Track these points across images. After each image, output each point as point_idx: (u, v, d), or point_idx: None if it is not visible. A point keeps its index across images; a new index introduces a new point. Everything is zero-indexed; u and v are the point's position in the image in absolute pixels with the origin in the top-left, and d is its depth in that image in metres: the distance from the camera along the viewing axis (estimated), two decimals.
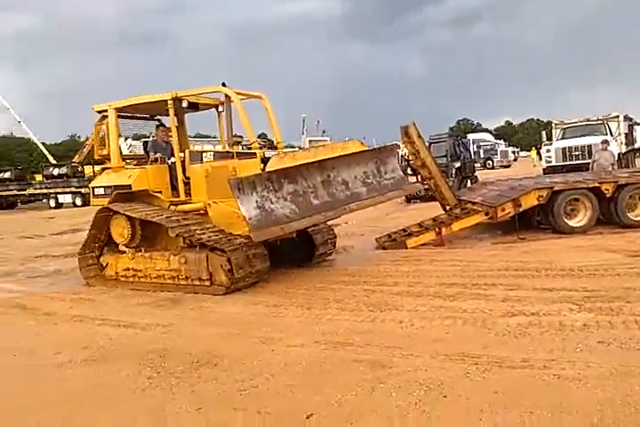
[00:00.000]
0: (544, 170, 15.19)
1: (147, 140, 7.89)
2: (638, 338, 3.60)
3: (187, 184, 6.78)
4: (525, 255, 6.91)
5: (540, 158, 20.14)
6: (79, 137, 69.60)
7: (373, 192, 6.46)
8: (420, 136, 9.12)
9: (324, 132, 48.77)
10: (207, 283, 6.04)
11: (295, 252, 7.12)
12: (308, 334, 4.31)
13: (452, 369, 3.38)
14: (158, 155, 7.12)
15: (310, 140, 22.21)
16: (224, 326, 4.78)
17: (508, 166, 37.52)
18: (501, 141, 48.15)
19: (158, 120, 7.93)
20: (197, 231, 6.12)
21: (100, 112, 7.42)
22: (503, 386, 3.08)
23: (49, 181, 30.39)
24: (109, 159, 7.34)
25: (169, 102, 6.73)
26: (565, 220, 8.36)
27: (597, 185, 8.29)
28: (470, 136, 38.12)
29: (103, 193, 7.16)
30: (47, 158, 36.09)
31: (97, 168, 30.23)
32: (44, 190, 30.31)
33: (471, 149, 19.92)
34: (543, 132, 17.59)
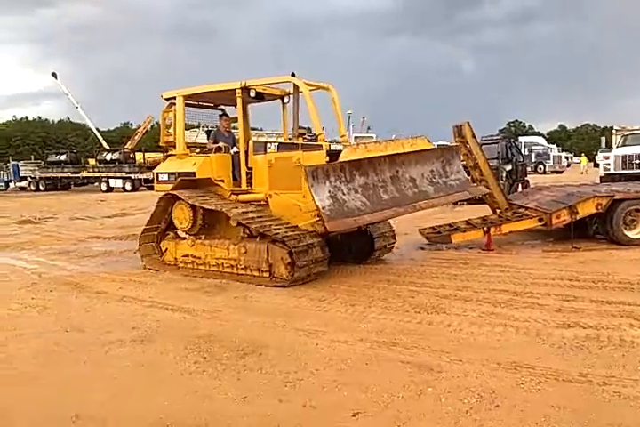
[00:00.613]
0: (601, 178, 14.53)
1: (210, 129, 7.94)
2: None
3: (249, 174, 6.79)
4: (581, 266, 6.61)
5: (597, 165, 19.24)
6: (131, 124, 72.08)
7: (440, 192, 6.31)
8: (473, 136, 8.89)
9: (368, 128, 48.46)
10: (266, 274, 6.02)
11: (353, 247, 7.04)
12: (352, 331, 4.26)
13: (505, 378, 3.26)
14: (222, 144, 7.13)
15: (356, 137, 22.01)
16: (268, 315, 4.80)
17: (561, 172, 36.14)
18: (554, 146, 46.46)
19: (222, 110, 7.98)
20: (259, 222, 6.09)
21: (167, 99, 7.45)
22: (560, 400, 2.94)
23: (102, 165, 31.53)
24: (174, 146, 7.38)
25: (237, 91, 6.67)
26: (624, 231, 7.95)
27: None
28: (522, 139, 37.03)
29: (167, 179, 7.24)
30: (101, 144, 37.38)
31: (148, 155, 31.22)
32: (97, 174, 31.48)
33: (522, 153, 19.27)
34: (603, 138, 16.82)
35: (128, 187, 29.49)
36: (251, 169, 6.70)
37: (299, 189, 6.02)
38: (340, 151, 5.93)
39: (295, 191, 6.11)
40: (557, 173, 35.73)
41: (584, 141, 79.18)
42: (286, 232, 5.85)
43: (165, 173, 7.32)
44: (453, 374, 3.36)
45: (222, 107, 7.97)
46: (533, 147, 37.84)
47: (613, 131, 15.79)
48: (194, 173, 6.85)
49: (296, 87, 6.59)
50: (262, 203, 6.56)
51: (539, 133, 74.28)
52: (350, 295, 5.38)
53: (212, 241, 6.65)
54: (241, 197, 6.76)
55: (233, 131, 7.89)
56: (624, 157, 14.05)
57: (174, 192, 6.89)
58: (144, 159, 32.96)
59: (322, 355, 3.77)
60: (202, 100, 7.68)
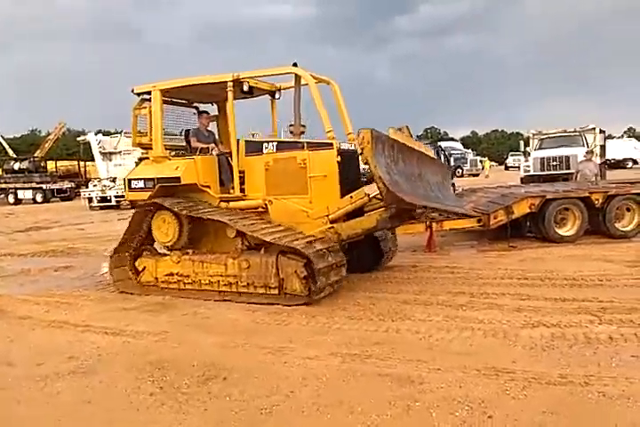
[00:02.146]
0: (522, 179, 15.36)
1: (188, 128, 6.91)
2: None
3: (240, 178, 6.01)
4: (523, 264, 6.80)
5: (507, 168, 20.22)
6: (39, 131, 67.13)
7: (450, 201, 6.04)
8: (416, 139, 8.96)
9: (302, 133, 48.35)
10: (275, 291, 5.31)
11: (361, 257, 6.43)
12: (319, 345, 4.01)
13: (489, 386, 3.15)
14: (210, 145, 6.37)
15: None
16: (225, 333, 4.42)
17: (477, 175, 38.09)
18: (469, 150, 48.96)
19: (196, 108, 7.22)
20: (265, 231, 5.37)
21: (139, 94, 6.50)
22: (549, 405, 2.87)
23: (8, 175, 28.98)
24: (150, 148, 6.43)
25: (228, 84, 5.81)
26: (555, 229, 8.35)
27: (588, 195, 8.32)
28: (441, 144, 38.65)
29: (143, 186, 6.26)
30: (7, 152, 34.41)
31: (60, 164, 29.06)
32: (3, 185, 28.87)
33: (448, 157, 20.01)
34: (521, 142, 17.83)
35: (39, 198, 27.32)
36: (242, 172, 5.94)
37: (304, 194, 5.54)
38: (353, 151, 5.51)
39: (300, 196, 5.57)
40: (474, 175, 37.61)
41: (494, 146, 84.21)
42: (300, 242, 5.17)
43: (140, 179, 6.33)
44: (436, 384, 3.21)
45: (196, 104, 7.16)
46: (452, 151, 39.55)
47: (530, 134, 16.76)
48: (178, 179, 5.96)
49: (298, 79, 5.90)
50: (260, 210, 5.83)
51: (453, 139, 78.05)
52: (309, 306, 5.12)
53: (204, 256, 5.78)
54: (233, 204, 5.93)
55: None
56: (542, 159, 14.94)
57: (156, 200, 5.92)
58: (56, 168, 30.84)
59: (293, 374, 3.49)
60: (179, 96, 6.77)
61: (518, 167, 33.87)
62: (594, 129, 15.28)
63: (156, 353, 4.04)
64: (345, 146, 5.65)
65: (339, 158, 5.38)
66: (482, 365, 3.46)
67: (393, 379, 3.32)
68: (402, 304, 5.04)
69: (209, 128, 6.82)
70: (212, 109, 7.22)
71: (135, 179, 6.40)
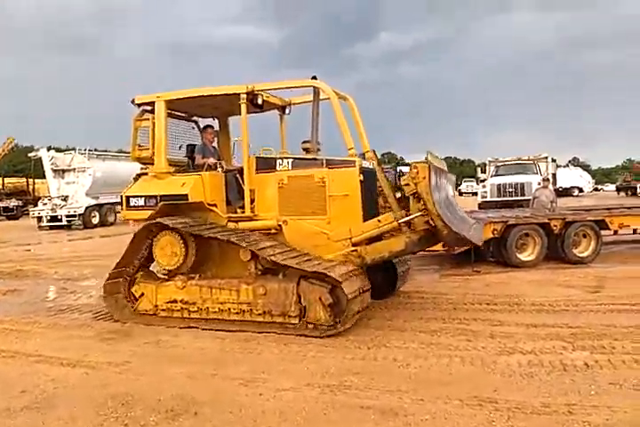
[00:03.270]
0: (479, 205, 15.77)
1: (192, 144, 6.54)
2: None
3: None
4: (489, 289, 6.87)
5: (461, 193, 20.79)
6: None
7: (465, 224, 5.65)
8: (379, 164, 9.03)
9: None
10: (295, 320, 4.90)
11: (376, 282, 5.78)
12: (295, 375, 3.84)
13: (474, 417, 3.08)
14: (212, 160, 5.95)
15: None
16: (192, 363, 4.18)
17: None
18: None
19: (195, 122, 6.83)
20: (286, 254, 5.02)
21: (139, 105, 6.08)
22: None
23: None
24: (150, 163, 6.00)
25: (242, 97, 5.47)
26: (517, 254, 8.53)
27: (547, 221, 8.57)
28: (401, 168, 39.43)
29: (143, 204, 5.80)
30: None
31: (7, 181, 27.76)
32: None
33: None
34: (478, 169, 18.42)
35: None
36: (251, 191, 5.57)
37: (322, 214, 5.25)
38: (372, 169, 5.31)
39: (317, 216, 5.26)
40: None
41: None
42: (323, 266, 4.85)
43: (141, 196, 5.84)
44: (420, 416, 3.11)
45: (195, 118, 6.83)
46: None
47: (487, 161, 17.33)
48: (185, 196, 5.53)
49: (317, 93, 5.61)
50: (273, 231, 5.45)
51: (408, 164, 79.92)
52: (280, 333, 4.93)
53: (213, 281, 5.31)
54: (242, 224, 5.53)
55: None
56: (499, 185, 15.42)
57: (161, 220, 5.42)
58: (3, 185, 29.42)
59: (270, 408, 3.30)
60: (180, 109, 6.39)
61: (472, 193, 34.94)
62: (546, 158, 15.97)
63: (118, 386, 3.75)
64: (365, 164, 5.37)
65: (361, 177, 5.15)
66: (464, 394, 3.39)
67: (376, 411, 3.19)
68: (375, 330, 4.94)
69: (213, 144, 6.52)
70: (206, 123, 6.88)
71: (134, 196, 5.91)
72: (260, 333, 4.89)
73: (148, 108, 6.06)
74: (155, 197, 5.73)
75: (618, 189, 38.57)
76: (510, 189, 15.05)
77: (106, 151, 23.59)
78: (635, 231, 9.59)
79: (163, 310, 5.51)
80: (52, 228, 20.00)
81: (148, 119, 5.98)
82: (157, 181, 5.88)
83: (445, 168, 5.87)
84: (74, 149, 20.99)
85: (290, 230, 5.36)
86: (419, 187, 4.72)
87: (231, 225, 5.55)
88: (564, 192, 31.62)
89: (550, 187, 11.37)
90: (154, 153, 5.89)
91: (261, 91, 5.58)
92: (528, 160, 16.15)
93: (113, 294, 5.73)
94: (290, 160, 5.47)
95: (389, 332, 4.89)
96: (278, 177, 5.43)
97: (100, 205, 20.53)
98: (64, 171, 20.50)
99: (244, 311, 5.11)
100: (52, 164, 20.22)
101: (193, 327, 5.18)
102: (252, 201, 5.55)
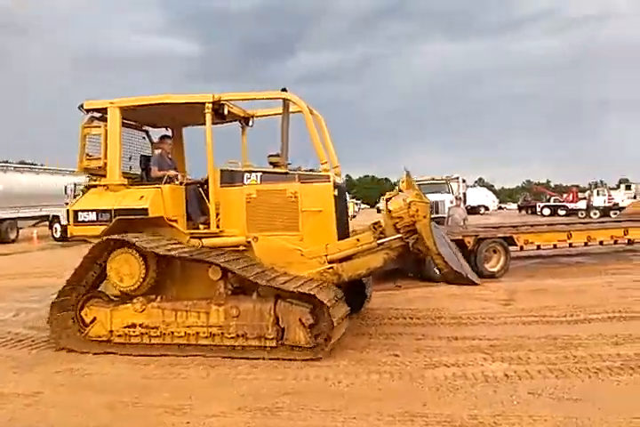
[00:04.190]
0: None
1: (145, 154, 6.13)
2: (561, 387, 3.76)
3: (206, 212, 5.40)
4: (412, 303, 7.09)
5: (379, 211, 21.58)
6: None
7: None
8: None
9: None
10: (272, 343, 4.63)
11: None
12: (224, 400, 3.69)
13: None
14: (172, 172, 5.61)
15: None
16: (111, 392, 3.89)
17: (354, 216, 39.98)
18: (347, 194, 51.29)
19: (146, 131, 6.38)
20: (262, 273, 4.76)
21: (88, 111, 5.61)
22: None
23: None
24: (101, 174, 5.52)
25: (207, 106, 5.19)
26: (485, 265, 9.09)
27: (461, 238, 9.06)
28: None
29: (94, 219, 5.27)
30: None
31: None
32: None
33: None
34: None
35: None
36: (215, 205, 5.27)
37: (294, 230, 5.06)
38: (341, 185, 5.17)
39: (289, 232, 5.09)
40: (353, 217, 39.39)
41: (365, 190, 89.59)
42: (302, 284, 4.66)
43: (91, 210, 5.31)
44: None
45: (146, 128, 6.40)
46: None
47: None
48: (145, 211, 5.09)
49: (287, 106, 5.41)
50: (241, 248, 5.17)
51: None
52: (208, 355, 4.73)
53: (178, 303, 4.90)
54: (207, 241, 5.18)
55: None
56: None
57: (117, 237, 4.95)
58: None
59: None
60: (133, 117, 5.95)
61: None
62: (457, 178, 16.94)
63: (26, 420, 3.41)
64: (338, 179, 5.30)
65: (335, 192, 5.05)
66: (395, 410, 3.44)
67: None
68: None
69: (169, 155, 6.08)
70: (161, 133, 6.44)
71: (84, 210, 5.36)
72: (224, 357, 4.62)
73: (97, 114, 5.67)
74: (109, 211, 5.23)
75: (519, 208, 41.85)
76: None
77: (7, 162, 21.81)
78: (538, 247, 10.37)
79: (119, 335, 4.99)
80: None
81: (99, 127, 5.56)
82: (110, 193, 5.39)
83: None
84: None
85: (260, 247, 5.12)
86: (418, 225, 4.76)
87: (194, 242, 5.21)
88: (472, 210, 33.69)
89: (462, 205, 12.05)
90: (105, 164, 5.44)
91: (228, 101, 5.41)
92: (441, 180, 17.03)
93: (59, 319, 5.13)
94: (259, 174, 5.26)
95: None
96: (246, 191, 5.20)
97: None
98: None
99: (214, 335, 4.77)
100: None
101: (154, 355, 4.75)
102: (216, 216, 5.28)
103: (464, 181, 18.00)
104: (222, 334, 4.74)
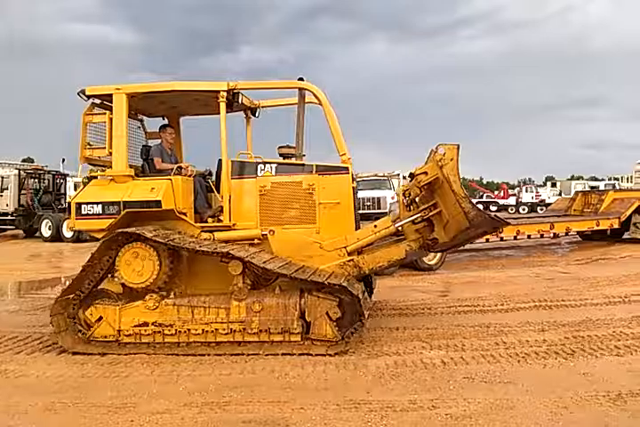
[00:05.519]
0: None
1: (146, 145, 5.83)
2: (493, 371, 4.01)
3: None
4: None
5: None
6: None
7: None
8: None
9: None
10: (297, 338, 4.59)
11: None
12: (170, 397, 3.66)
13: (351, 419, 3.24)
14: (184, 163, 5.42)
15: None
16: (49, 394, 3.76)
17: None
18: None
19: (140, 121, 6.07)
20: (287, 266, 4.67)
21: (89, 97, 5.27)
22: None
23: None
24: (102, 165, 5.32)
25: (221, 95, 5.03)
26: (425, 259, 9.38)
27: None
28: None
29: (101, 212, 4.97)
30: None
31: None
32: None
33: None
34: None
35: None
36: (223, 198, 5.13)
37: (310, 223, 5.01)
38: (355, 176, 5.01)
39: (305, 225, 5.02)
40: None
41: None
42: (326, 277, 4.61)
43: (97, 203, 5.00)
44: (302, 424, 3.18)
45: (141, 117, 6.10)
46: None
47: None
48: (157, 203, 4.85)
49: (302, 96, 5.33)
50: (256, 242, 5.04)
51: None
52: (152, 352, 4.65)
53: (194, 299, 4.72)
54: (220, 234, 5.02)
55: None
56: (359, 199, 16.36)
57: (134, 230, 4.68)
58: None
59: None
60: (145, 107, 5.75)
61: None
62: (398, 175, 17.39)
63: None
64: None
65: (354, 184, 5.03)
66: (341, 398, 3.55)
67: (258, 424, 3.19)
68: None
69: (171, 146, 5.90)
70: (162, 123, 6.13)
71: (88, 203, 5.03)
72: (220, 355, 4.52)
73: (98, 101, 5.37)
74: (117, 203, 4.94)
75: None
76: (368, 203, 16.05)
77: None
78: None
79: (128, 335, 4.74)
80: None
81: (103, 114, 5.26)
82: (116, 185, 5.11)
83: None
84: None
85: (277, 240, 5.02)
86: (445, 169, 4.53)
87: (205, 235, 5.04)
88: None
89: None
90: (110, 153, 5.16)
91: (244, 89, 5.27)
92: (383, 176, 17.43)
93: (63, 318, 4.83)
94: (274, 165, 5.15)
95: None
96: (259, 183, 5.10)
97: None
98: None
99: (234, 331, 4.65)
100: None
101: (170, 355, 4.56)
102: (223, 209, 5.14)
103: (404, 177, 18.48)
104: (244, 329, 4.64)
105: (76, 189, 19.00)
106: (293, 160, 5.43)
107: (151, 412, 3.41)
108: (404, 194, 5.06)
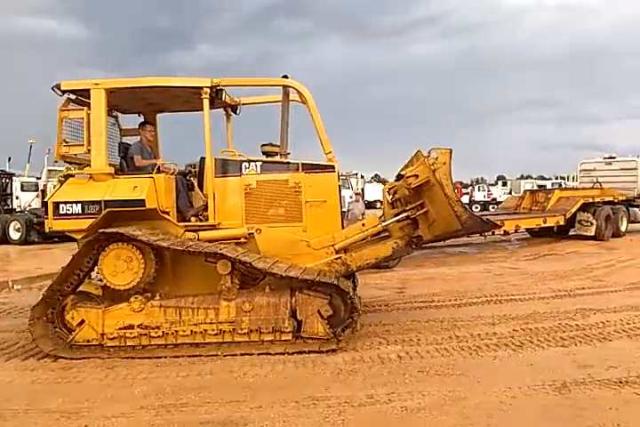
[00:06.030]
0: None
1: (124, 142, 5.59)
2: (446, 364, 4.15)
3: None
4: None
5: None
6: None
7: None
8: None
9: (56, 162, 43.39)
10: (288, 336, 4.54)
11: None
12: (125, 400, 3.60)
13: (310, 416, 3.28)
14: (161, 160, 5.31)
15: (50, 170, 19.26)
16: None
17: None
18: None
19: (115, 117, 5.80)
20: (277, 264, 4.64)
21: (64, 92, 5.00)
22: (364, 426, 3.13)
23: None
24: (77, 162, 5.13)
25: (204, 91, 4.90)
26: None
27: None
28: None
29: (80, 212, 4.74)
30: None
31: None
32: None
33: None
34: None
35: None
36: (206, 197, 5.02)
37: (297, 221, 4.98)
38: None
39: (291, 224, 4.98)
40: None
41: None
42: (317, 275, 4.63)
43: (76, 202, 4.78)
44: (260, 423, 3.20)
45: (116, 114, 5.83)
46: None
47: None
48: (141, 202, 4.68)
49: (286, 93, 5.30)
50: (242, 241, 4.93)
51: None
52: (105, 356, 4.54)
53: (181, 300, 4.60)
54: (205, 234, 4.89)
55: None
56: None
57: (119, 230, 4.52)
58: None
59: None
60: (123, 102, 5.51)
61: None
62: (356, 174, 17.65)
63: None
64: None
65: (340, 182, 5.06)
66: (299, 396, 3.59)
67: (216, 424, 3.19)
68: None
69: (150, 143, 5.72)
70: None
71: (67, 202, 4.80)
72: (219, 355, 4.45)
73: (74, 96, 5.14)
74: (98, 202, 4.76)
75: None
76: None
77: None
78: None
79: (112, 338, 4.58)
80: None
81: (81, 110, 5.01)
82: (96, 183, 4.91)
83: None
84: None
85: (265, 239, 4.97)
86: (438, 173, 4.59)
87: (189, 235, 4.91)
88: (369, 205, 35.17)
89: (361, 200, 12.57)
90: (89, 150, 4.95)
91: (227, 86, 5.14)
92: (342, 176, 17.64)
93: (43, 322, 4.63)
94: (258, 164, 5.09)
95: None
96: (244, 181, 5.04)
97: None
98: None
99: (224, 332, 4.58)
100: None
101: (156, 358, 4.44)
102: (207, 208, 5.02)
103: (362, 176, 18.78)
104: (233, 330, 4.59)
105: (22, 190, 18.23)
106: (277, 158, 5.42)
107: (105, 416, 3.34)
108: (389, 192, 5.17)
